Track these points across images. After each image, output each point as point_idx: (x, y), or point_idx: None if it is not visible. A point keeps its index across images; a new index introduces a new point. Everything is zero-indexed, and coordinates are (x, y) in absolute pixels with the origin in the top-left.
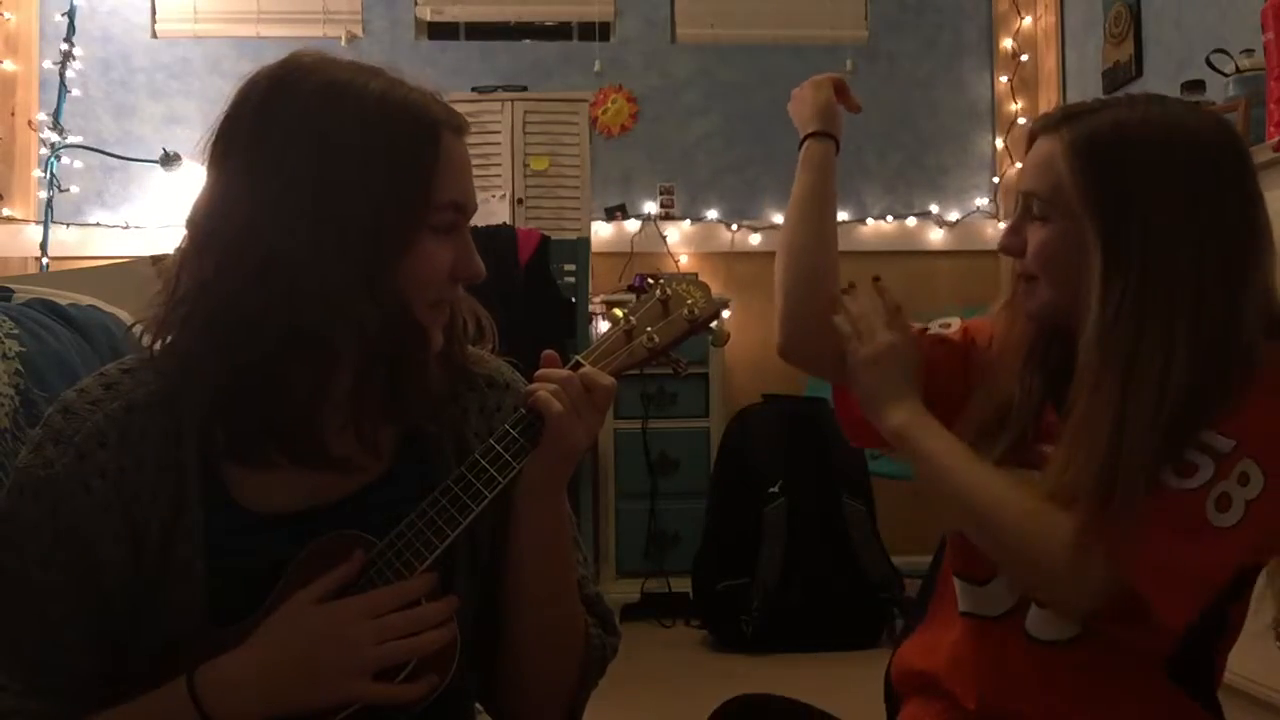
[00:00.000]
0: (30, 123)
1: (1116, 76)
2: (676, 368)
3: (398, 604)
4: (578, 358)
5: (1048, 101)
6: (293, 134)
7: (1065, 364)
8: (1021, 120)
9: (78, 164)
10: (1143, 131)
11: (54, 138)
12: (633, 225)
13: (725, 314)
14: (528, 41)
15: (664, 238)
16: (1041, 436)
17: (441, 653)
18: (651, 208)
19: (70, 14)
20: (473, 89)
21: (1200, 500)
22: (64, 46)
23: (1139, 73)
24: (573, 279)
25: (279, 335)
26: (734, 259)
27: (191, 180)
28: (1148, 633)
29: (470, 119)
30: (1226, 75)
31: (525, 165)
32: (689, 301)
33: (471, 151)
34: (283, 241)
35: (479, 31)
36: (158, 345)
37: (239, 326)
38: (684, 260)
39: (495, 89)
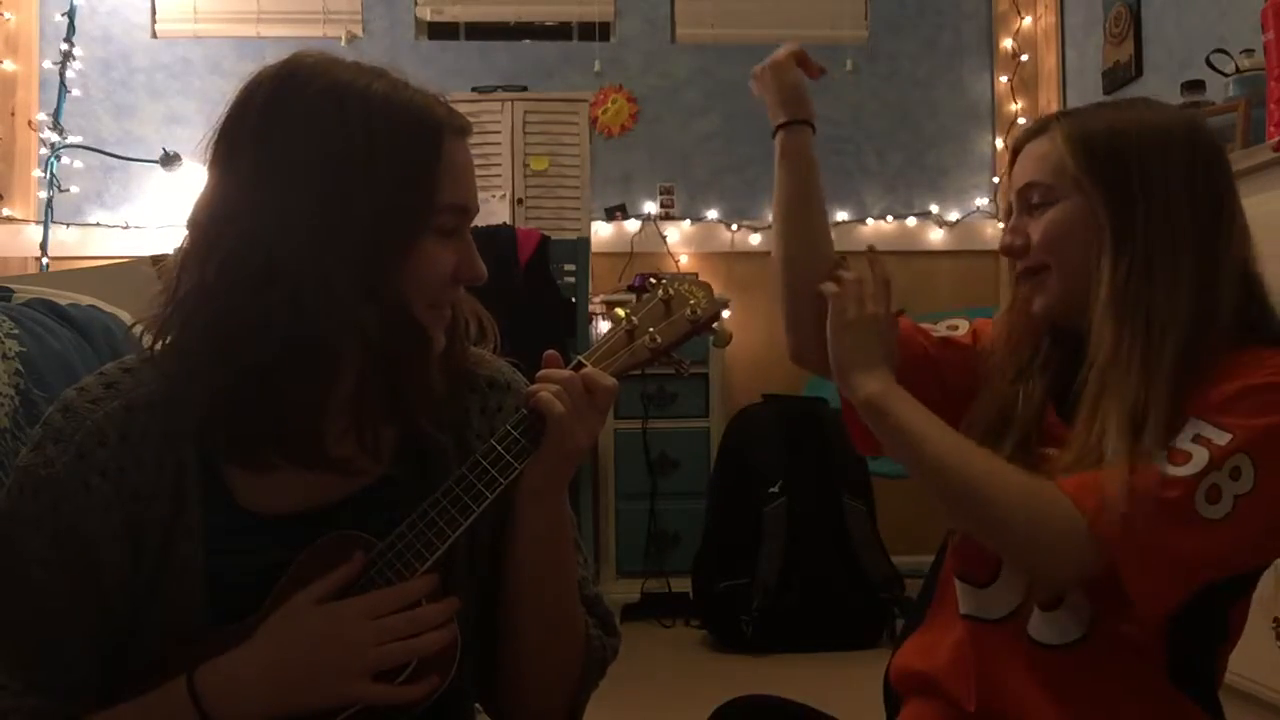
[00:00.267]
0: (30, 123)
1: (1116, 76)
2: (679, 368)
3: (398, 605)
4: (579, 358)
5: (1047, 102)
6: (295, 137)
7: (1066, 368)
8: (1021, 120)
9: (78, 164)
10: (1131, 121)
11: (54, 138)
12: (633, 225)
13: (725, 314)
14: (528, 41)
15: (664, 238)
16: (1045, 440)
17: (442, 654)
18: (651, 208)
19: (70, 14)
20: (473, 89)
21: (1190, 488)
22: (64, 46)
23: (1139, 73)
24: (573, 279)
25: (280, 339)
26: (734, 259)
27: (191, 180)
28: (1134, 620)
29: (470, 119)
30: (1226, 75)
31: (525, 165)
32: (691, 301)
33: (472, 151)
34: (284, 245)
35: (479, 31)
36: (158, 345)
37: (240, 330)
38: (684, 260)
39: (495, 89)
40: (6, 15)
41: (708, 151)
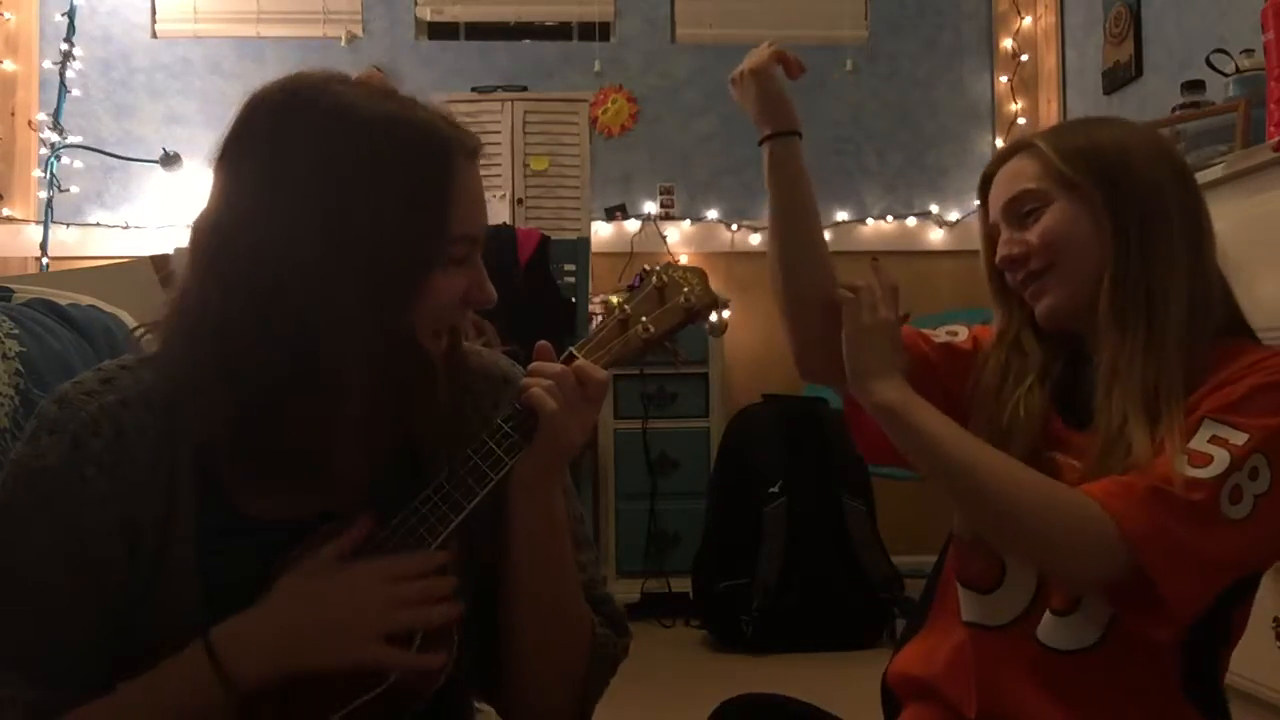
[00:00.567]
0: (30, 123)
1: (1116, 76)
2: (675, 358)
3: (414, 572)
4: (571, 349)
5: (1047, 101)
6: (300, 168)
7: (1066, 375)
8: (1021, 120)
9: (78, 164)
10: (1108, 132)
11: (54, 138)
12: (633, 225)
13: (726, 314)
14: (528, 41)
15: (664, 238)
16: (1053, 445)
17: (443, 631)
18: (651, 208)
19: (70, 14)
20: (473, 89)
21: (1215, 490)
22: (64, 46)
23: (1139, 73)
24: (573, 279)
25: (285, 366)
26: (734, 259)
27: (191, 180)
28: (1161, 624)
29: (470, 119)
30: (1226, 75)
31: (525, 165)
32: (685, 289)
33: None
34: (291, 272)
35: (479, 31)
36: (159, 349)
37: (243, 357)
38: (684, 260)
39: (495, 89)
40: (6, 15)
41: (708, 151)
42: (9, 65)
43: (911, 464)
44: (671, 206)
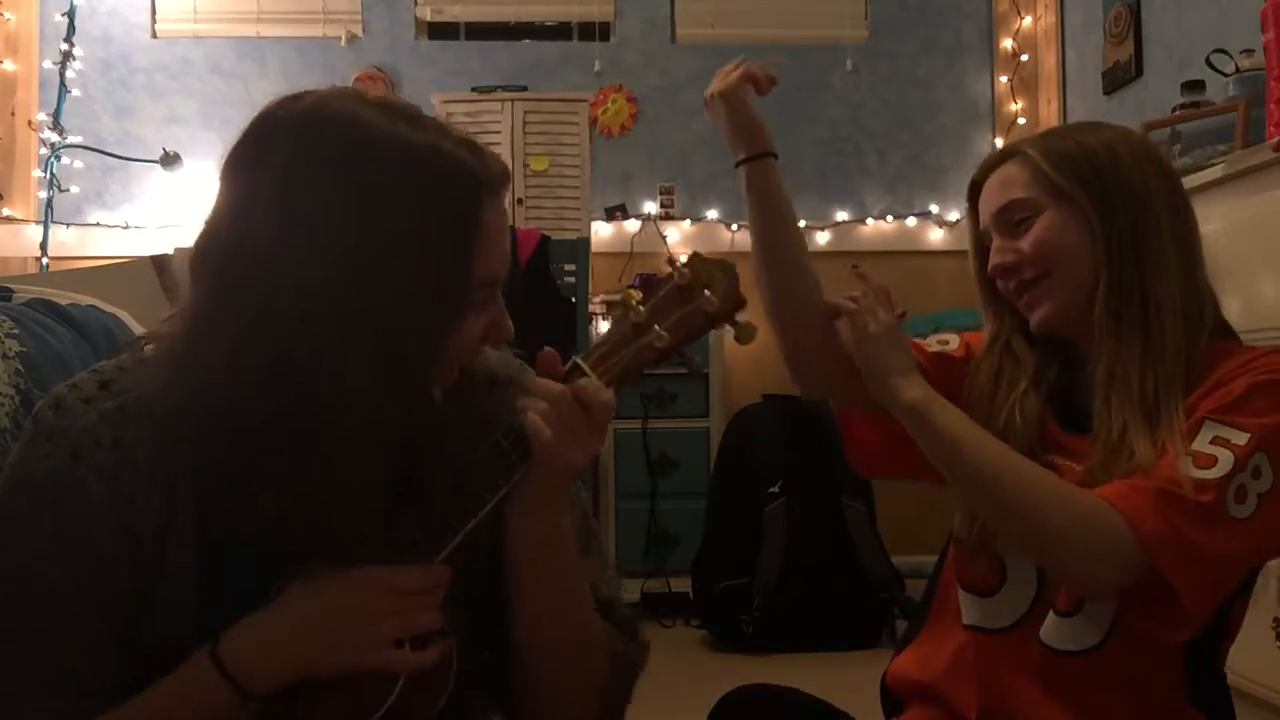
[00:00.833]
0: (30, 123)
1: (1116, 76)
2: (690, 366)
3: (419, 585)
4: (577, 359)
5: (1047, 101)
6: (319, 202)
7: (1060, 380)
8: (1021, 120)
9: (78, 164)
10: (1095, 137)
11: (54, 138)
12: (633, 225)
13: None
14: (528, 41)
15: (664, 238)
16: (1050, 449)
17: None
18: (651, 208)
19: (70, 14)
20: (473, 89)
21: (1222, 491)
22: (64, 46)
23: (1139, 73)
24: (573, 279)
25: (285, 417)
26: (734, 259)
27: (191, 180)
28: (1176, 626)
29: (470, 119)
30: (1226, 75)
31: (525, 165)
32: (708, 289)
33: None
34: (300, 336)
35: (479, 31)
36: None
37: (241, 401)
38: (684, 260)
39: (495, 89)
40: (6, 15)
41: (708, 151)
42: (9, 65)
43: (933, 463)
44: (671, 206)
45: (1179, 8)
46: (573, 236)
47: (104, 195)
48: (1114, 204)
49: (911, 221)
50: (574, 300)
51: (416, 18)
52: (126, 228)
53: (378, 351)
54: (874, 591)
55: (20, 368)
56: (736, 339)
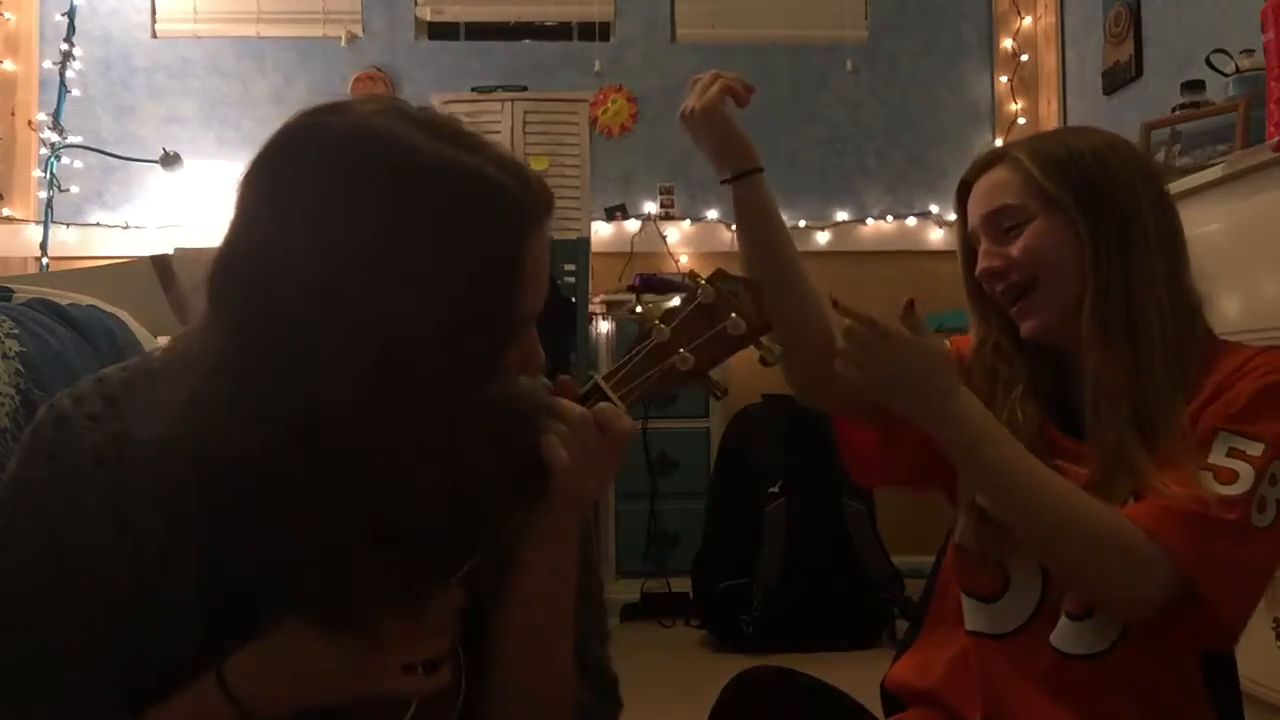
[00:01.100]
0: (30, 123)
1: (1116, 76)
2: (715, 391)
3: (430, 609)
4: (598, 379)
5: (1047, 102)
6: (352, 233)
7: (1056, 386)
8: (1021, 120)
9: (78, 164)
10: (1083, 141)
11: (54, 138)
12: (633, 225)
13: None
14: (528, 41)
15: (664, 238)
16: (1054, 453)
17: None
18: (651, 208)
19: (70, 14)
20: (473, 89)
21: (1248, 505)
22: (64, 46)
23: (1139, 73)
24: (573, 279)
25: (315, 483)
26: (734, 259)
27: (191, 180)
28: (1218, 638)
29: (470, 119)
30: (1226, 75)
31: None
32: (733, 312)
33: None
34: (340, 389)
35: (479, 31)
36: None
37: (268, 467)
38: (684, 260)
39: (495, 89)
40: (6, 15)
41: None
42: (9, 65)
43: (974, 492)
44: (671, 206)
45: (1179, 8)
46: (573, 236)
47: (104, 195)
48: (1103, 213)
49: (911, 221)
50: (574, 300)
51: (416, 18)
52: (126, 228)
53: (421, 405)
54: (874, 591)
55: (20, 368)
56: (762, 361)
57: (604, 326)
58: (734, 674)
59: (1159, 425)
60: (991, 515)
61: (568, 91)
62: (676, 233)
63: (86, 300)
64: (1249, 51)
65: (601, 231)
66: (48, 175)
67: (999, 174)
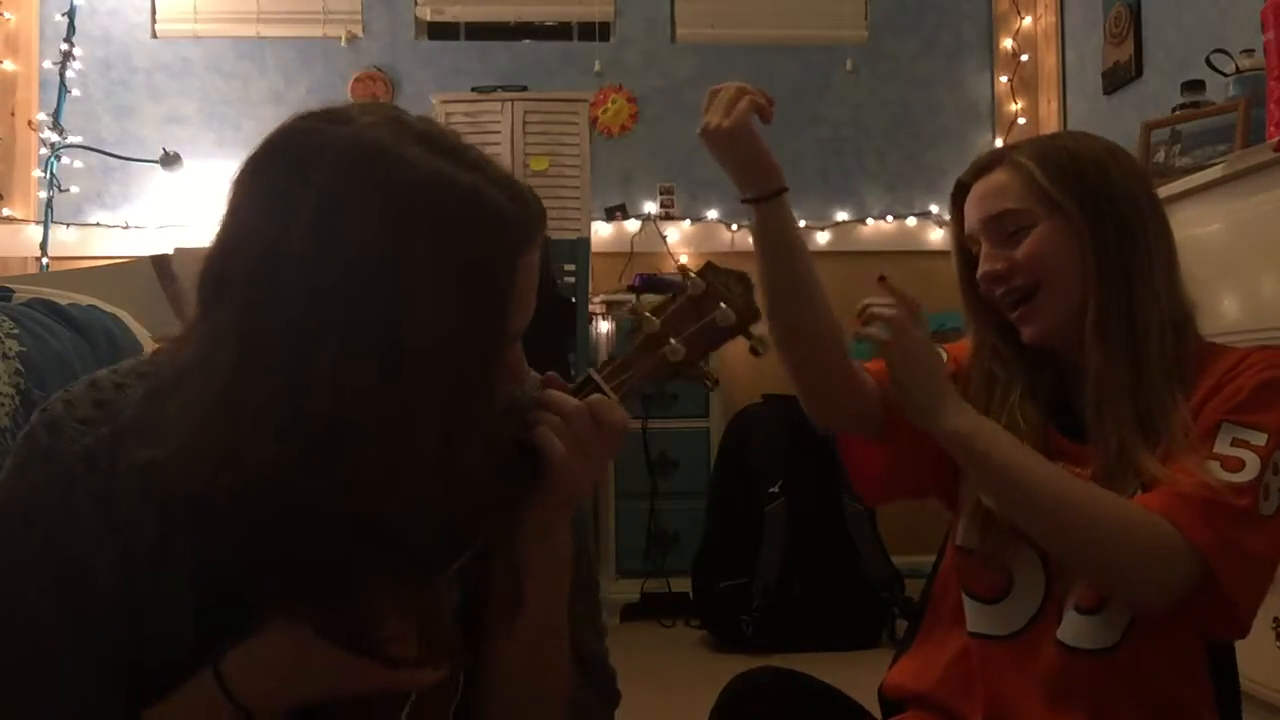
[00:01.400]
0: (30, 123)
1: (1116, 76)
2: (705, 381)
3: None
4: (591, 372)
5: (1047, 102)
6: (353, 251)
7: (1057, 389)
8: (1022, 120)
9: (78, 164)
10: (1080, 145)
11: (54, 138)
12: (633, 225)
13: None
14: (528, 41)
15: (664, 238)
16: (1056, 456)
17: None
18: (651, 208)
19: (70, 14)
20: (473, 89)
21: (1255, 493)
22: (64, 46)
23: (1139, 73)
24: (573, 279)
25: (320, 506)
26: (734, 259)
27: (191, 180)
28: (1230, 627)
29: (470, 119)
30: (1226, 75)
31: (525, 165)
32: (723, 302)
33: None
34: (345, 404)
35: (479, 31)
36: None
37: (275, 489)
38: (684, 260)
39: (495, 89)
40: (6, 15)
41: (708, 152)
42: (9, 65)
43: (981, 490)
44: (671, 206)
45: (1179, 8)
46: (573, 236)
47: (104, 195)
48: (1104, 219)
49: (911, 221)
50: (574, 300)
51: (416, 18)
52: (126, 228)
53: (418, 413)
54: (874, 591)
55: (20, 368)
56: (753, 351)
57: (604, 326)
58: (734, 674)
59: (1160, 425)
60: (999, 515)
61: (568, 91)
62: (676, 233)
63: (86, 300)
64: (1249, 51)
65: (601, 231)
66: (48, 175)
67: (1000, 177)
